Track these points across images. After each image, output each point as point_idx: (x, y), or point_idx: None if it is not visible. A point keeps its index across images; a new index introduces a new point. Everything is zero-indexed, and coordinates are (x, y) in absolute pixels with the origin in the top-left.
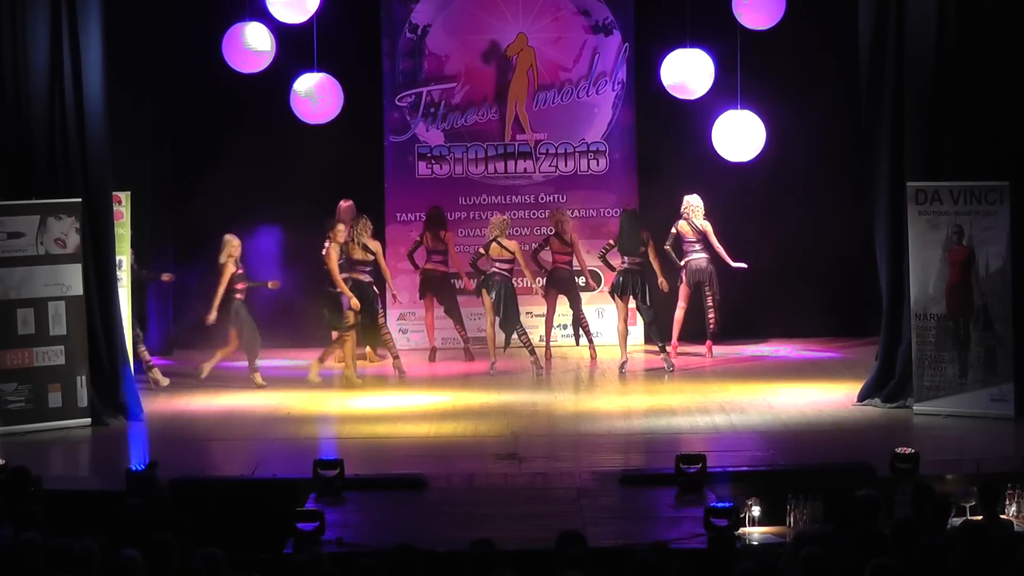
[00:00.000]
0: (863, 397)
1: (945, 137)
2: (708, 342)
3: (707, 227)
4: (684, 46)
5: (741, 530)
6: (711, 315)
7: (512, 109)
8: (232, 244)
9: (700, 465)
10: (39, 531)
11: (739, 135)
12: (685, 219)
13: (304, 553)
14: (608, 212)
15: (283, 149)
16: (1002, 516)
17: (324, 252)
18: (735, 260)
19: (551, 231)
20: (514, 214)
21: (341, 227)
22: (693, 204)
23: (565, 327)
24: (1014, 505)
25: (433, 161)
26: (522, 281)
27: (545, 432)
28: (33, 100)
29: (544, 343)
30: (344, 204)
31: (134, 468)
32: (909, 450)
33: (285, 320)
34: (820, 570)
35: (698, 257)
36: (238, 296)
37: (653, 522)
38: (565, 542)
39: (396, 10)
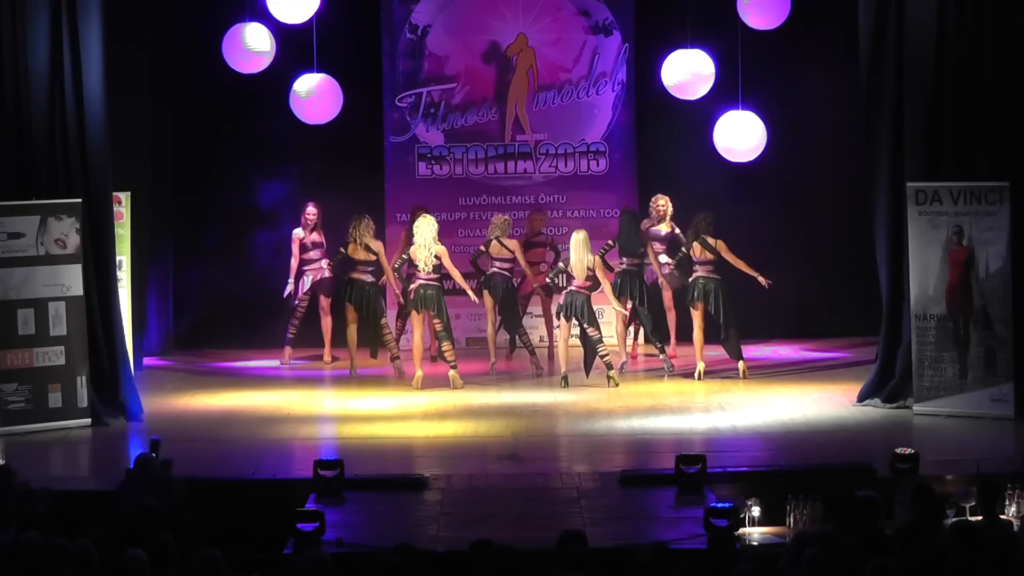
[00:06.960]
0: (863, 397)
1: (945, 137)
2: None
3: None
4: (684, 46)
5: (741, 530)
6: None
7: (512, 110)
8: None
9: (700, 465)
10: (41, 531)
11: (740, 136)
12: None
13: (306, 554)
14: (608, 212)
15: (283, 149)
16: (1002, 516)
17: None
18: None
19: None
20: (514, 214)
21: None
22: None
23: None
24: (1014, 505)
25: (433, 161)
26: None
27: (545, 432)
28: (33, 100)
29: (544, 343)
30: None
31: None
32: (909, 450)
33: (282, 320)
34: (823, 570)
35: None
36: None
37: (653, 522)
38: (567, 542)
39: (396, 10)
